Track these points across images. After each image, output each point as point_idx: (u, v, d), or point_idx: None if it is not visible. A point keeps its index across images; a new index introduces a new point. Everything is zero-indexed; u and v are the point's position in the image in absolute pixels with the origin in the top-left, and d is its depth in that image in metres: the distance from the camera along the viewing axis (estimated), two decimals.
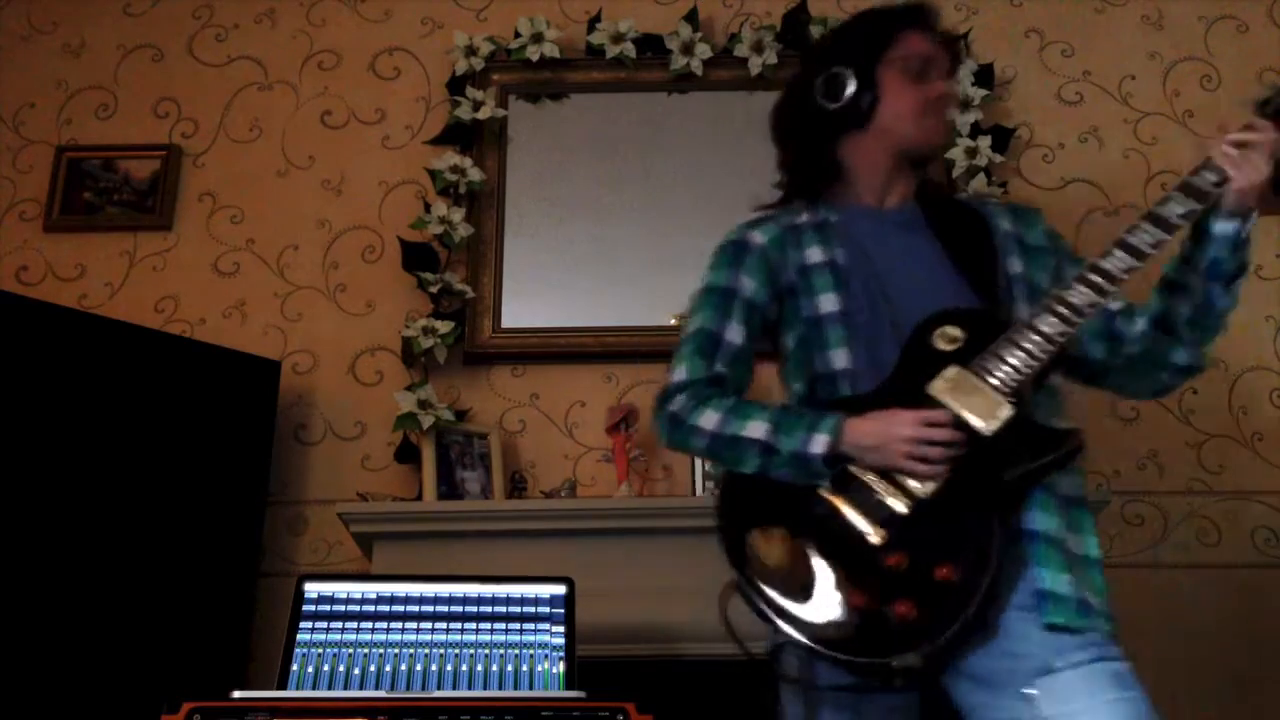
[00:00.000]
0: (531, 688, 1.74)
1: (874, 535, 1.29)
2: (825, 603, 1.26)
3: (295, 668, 1.72)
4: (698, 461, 2.49)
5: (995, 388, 1.33)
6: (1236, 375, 2.67)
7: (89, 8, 3.06)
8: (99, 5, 3.07)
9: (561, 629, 1.81)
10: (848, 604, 1.25)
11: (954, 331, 1.39)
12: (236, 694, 1.54)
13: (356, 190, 2.87)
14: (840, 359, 1.44)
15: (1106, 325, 1.48)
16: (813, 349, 1.47)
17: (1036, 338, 1.34)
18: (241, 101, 2.96)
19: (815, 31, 2.87)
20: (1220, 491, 2.58)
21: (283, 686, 1.69)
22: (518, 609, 1.82)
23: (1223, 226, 1.34)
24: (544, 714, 1.55)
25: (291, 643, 1.74)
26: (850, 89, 1.53)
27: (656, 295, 2.69)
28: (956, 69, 1.64)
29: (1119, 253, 1.36)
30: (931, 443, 1.29)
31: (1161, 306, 1.42)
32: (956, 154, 2.73)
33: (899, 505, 1.30)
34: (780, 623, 1.27)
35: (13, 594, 2.04)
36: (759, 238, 1.57)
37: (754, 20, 2.96)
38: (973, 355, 1.36)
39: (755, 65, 2.87)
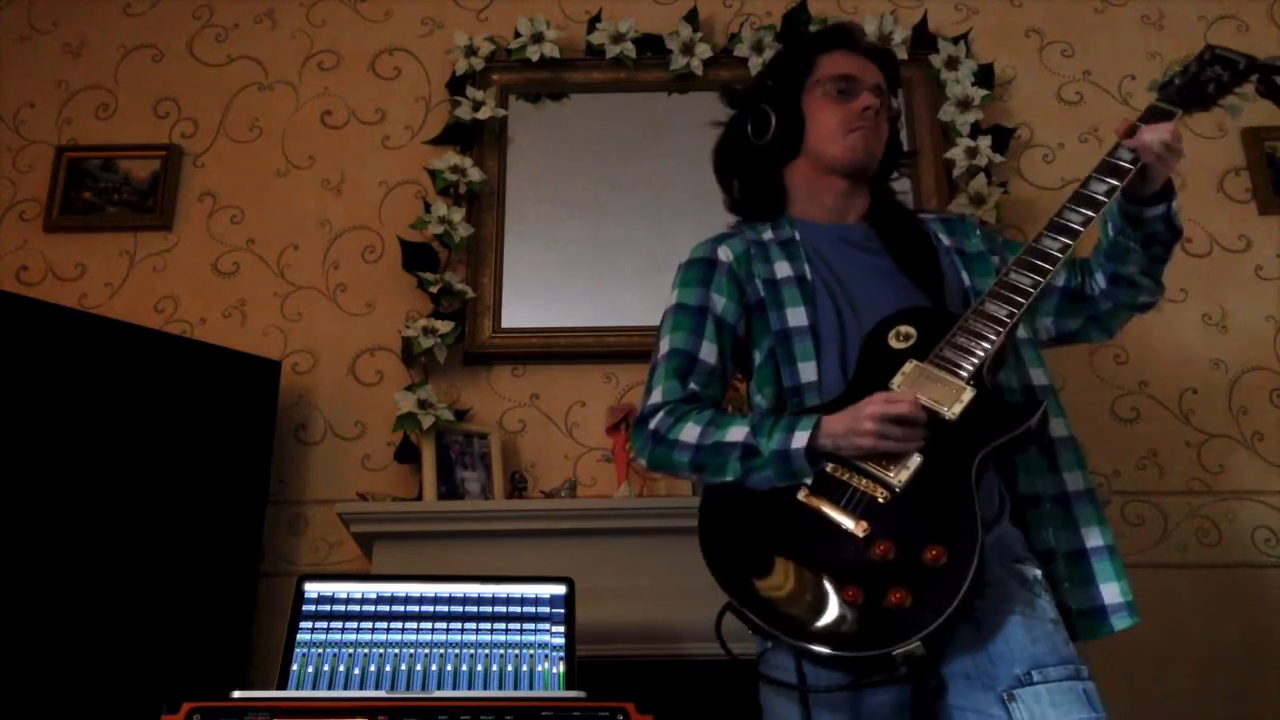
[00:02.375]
0: (531, 688, 1.74)
1: (857, 529, 1.30)
2: (821, 605, 1.27)
3: (295, 668, 1.71)
4: None
5: (954, 373, 1.37)
6: (1236, 375, 2.67)
7: (89, 8, 3.06)
8: (99, 5, 3.07)
9: (561, 629, 1.81)
10: (842, 600, 1.26)
11: (907, 329, 1.44)
12: (236, 694, 1.54)
13: (356, 190, 2.87)
14: (809, 372, 1.47)
15: (1067, 296, 1.58)
16: (781, 363, 1.49)
17: (987, 321, 1.39)
18: (241, 101, 2.97)
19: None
20: (1220, 491, 2.58)
21: (283, 686, 1.69)
22: (518, 609, 1.82)
23: (1153, 210, 1.45)
24: (544, 714, 1.55)
25: (291, 643, 1.74)
26: (774, 123, 1.61)
27: (656, 295, 2.63)
28: (894, 79, 1.69)
29: (1052, 234, 1.45)
30: (895, 418, 1.31)
31: (1111, 269, 1.52)
32: (956, 154, 2.74)
33: (878, 496, 1.32)
34: (782, 635, 1.27)
35: (13, 594, 2.04)
36: (725, 254, 1.61)
37: (754, 20, 2.96)
38: (928, 349, 1.41)
39: (755, 65, 2.86)
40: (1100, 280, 1.54)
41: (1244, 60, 1.50)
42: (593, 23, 2.93)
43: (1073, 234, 1.43)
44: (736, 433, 1.40)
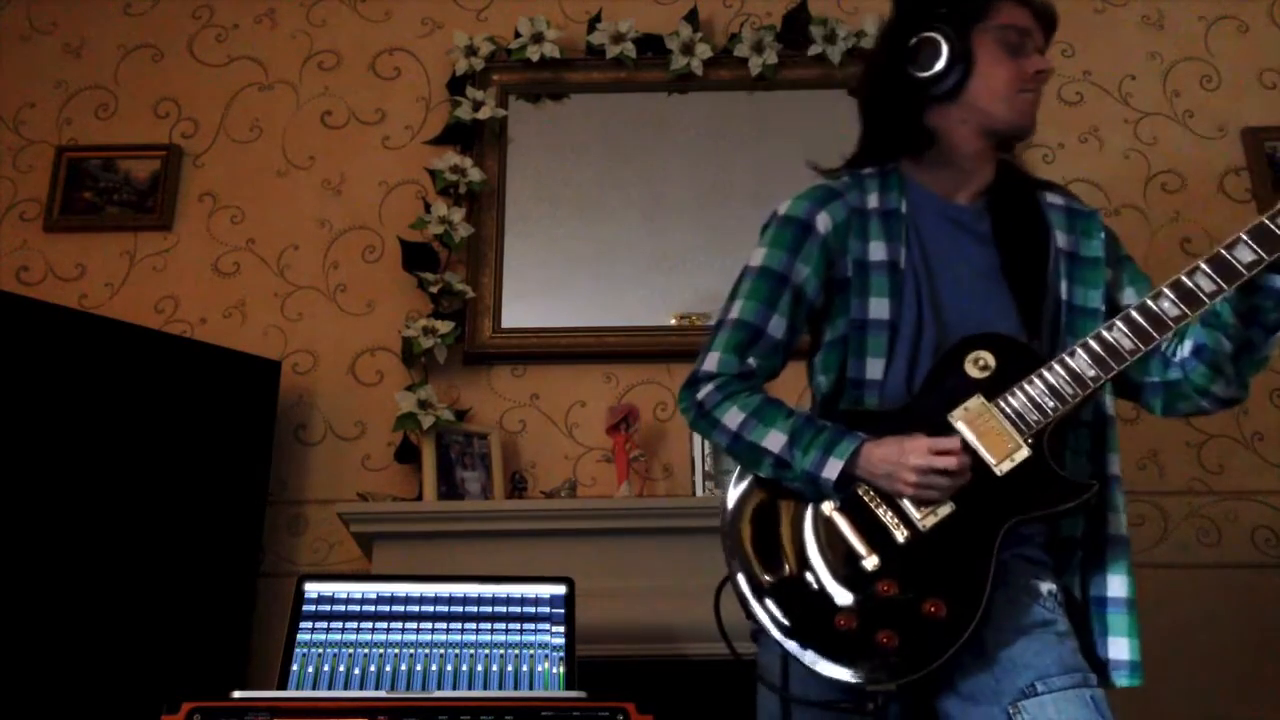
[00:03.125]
0: (531, 688, 1.74)
1: (869, 560, 1.29)
2: (812, 616, 1.27)
3: (295, 668, 1.72)
4: (698, 462, 2.49)
5: (1016, 426, 1.30)
6: None
7: (89, 8, 3.06)
8: (99, 5, 3.07)
9: (561, 629, 1.81)
10: (832, 622, 1.26)
11: (987, 358, 1.35)
12: (236, 694, 1.54)
13: (356, 190, 2.87)
14: (876, 369, 1.40)
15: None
16: (850, 352, 1.42)
17: (1067, 378, 1.30)
18: (241, 101, 2.97)
19: (815, 31, 2.88)
20: (1220, 491, 2.58)
21: (283, 686, 1.69)
22: (518, 609, 1.82)
23: (1274, 280, 1.28)
24: (544, 714, 1.55)
25: (291, 643, 1.74)
26: (943, 59, 1.41)
27: (656, 295, 2.70)
28: (1049, 44, 1.52)
29: (1172, 295, 1.28)
30: (940, 471, 1.27)
31: (1203, 339, 1.37)
32: None
33: (898, 534, 1.30)
34: (767, 625, 1.28)
35: (13, 594, 2.04)
36: (824, 223, 1.45)
37: (754, 20, 2.96)
38: (1001, 386, 1.32)
39: (755, 65, 2.87)
40: (1186, 347, 1.39)
41: None
42: (593, 23, 2.93)
43: (1198, 304, 1.26)
44: (774, 440, 1.35)
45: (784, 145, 2.75)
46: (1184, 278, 1.27)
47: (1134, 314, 1.29)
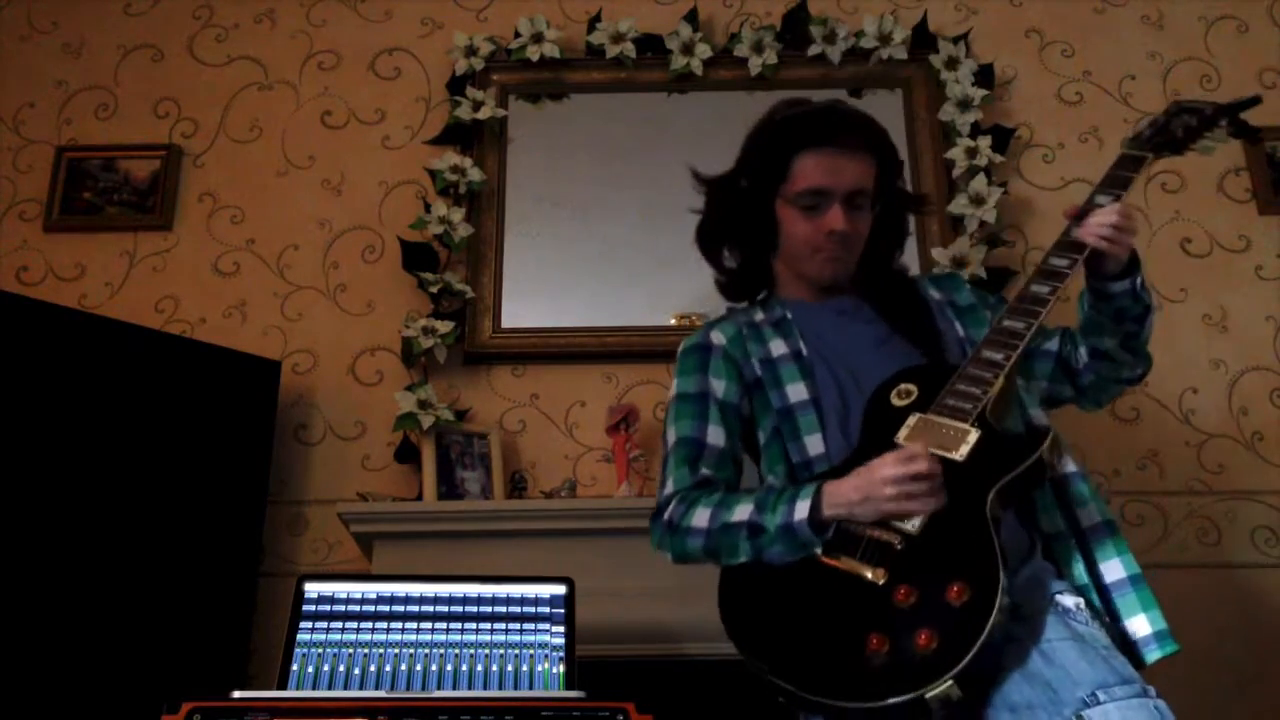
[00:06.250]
0: (531, 688, 1.74)
1: (875, 577, 1.29)
2: (849, 661, 1.25)
3: (295, 668, 1.71)
4: None
5: (958, 418, 1.37)
6: (1236, 375, 2.67)
7: (89, 8, 3.06)
8: (99, 5, 3.07)
9: (561, 629, 1.81)
10: (868, 651, 1.24)
11: (907, 387, 1.45)
12: (236, 694, 1.54)
13: (356, 190, 2.87)
14: (815, 444, 1.48)
15: (1059, 362, 1.57)
16: (787, 439, 1.50)
17: (985, 366, 1.40)
18: (241, 101, 2.97)
19: (815, 31, 2.88)
20: (1220, 491, 2.58)
21: (283, 686, 1.69)
22: (518, 609, 1.82)
23: (1119, 285, 1.44)
24: (544, 714, 1.55)
25: (291, 643, 1.74)
26: (746, 227, 1.64)
27: (656, 295, 2.70)
28: (888, 160, 1.64)
29: (1041, 279, 1.45)
30: (914, 476, 1.29)
31: (1095, 343, 1.52)
32: (956, 154, 2.74)
33: (893, 543, 1.30)
34: (817, 699, 1.25)
35: (13, 594, 2.04)
36: (718, 338, 1.62)
37: (754, 20, 2.96)
38: (930, 402, 1.41)
39: (755, 65, 2.87)
40: (1083, 354, 1.55)
41: (1210, 107, 1.57)
42: (593, 23, 2.93)
43: (1060, 277, 1.44)
44: (742, 511, 1.40)
45: None
46: (1042, 265, 1.47)
47: (1016, 302, 1.46)
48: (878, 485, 1.30)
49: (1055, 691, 1.23)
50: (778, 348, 1.57)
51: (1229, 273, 2.76)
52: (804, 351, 1.55)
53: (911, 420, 1.40)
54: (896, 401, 1.44)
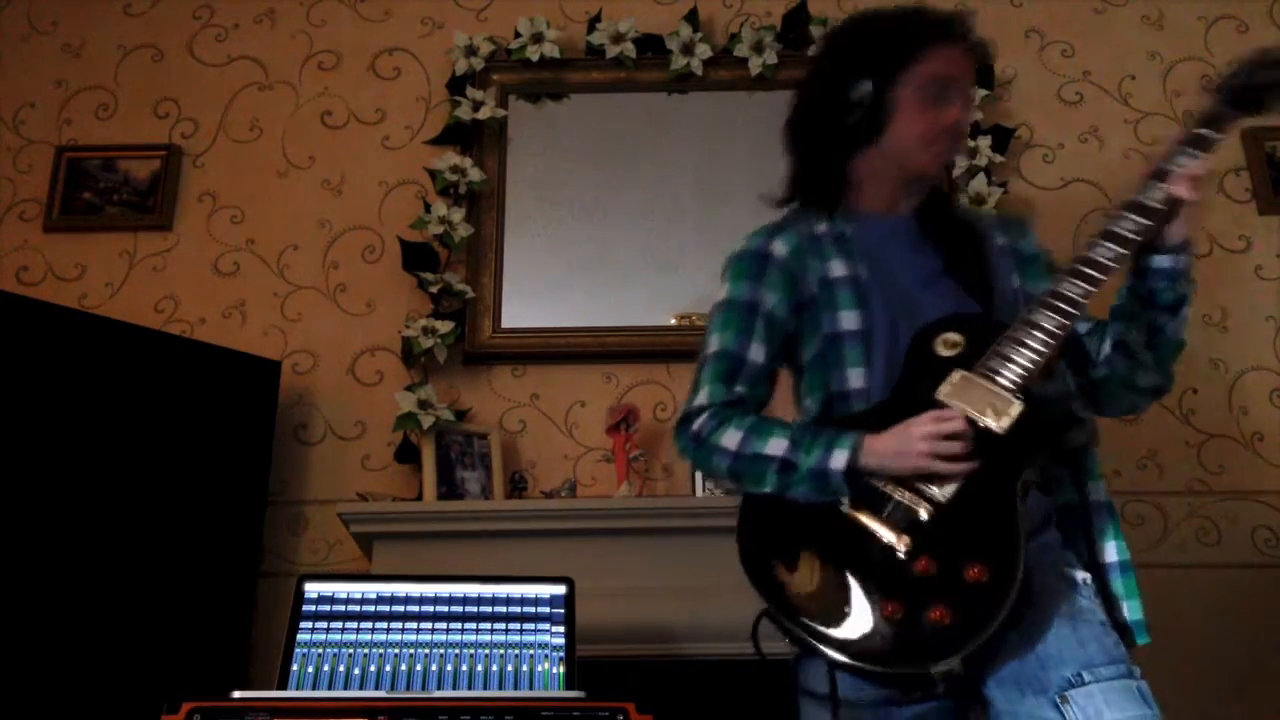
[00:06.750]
0: (531, 688, 1.74)
1: (899, 544, 1.28)
2: (859, 618, 1.25)
3: (295, 668, 1.71)
4: None
5: (1003, 386, 1.33)
6: (1236, 375, 2.67)
7: (89, 8, 3.06)
8: (99, 5, 3.07)
9: (561, 629, 1.81)
10: (881, 615, 1.24)
11: (954, 337, 1.40)
12: (236, 694, 1.54)
13: (356, 190, 2.87)
14: (857, 378, 1.43)
15: (1081, 349, 1.50)
16: (830, 366, 1.46)
17: (1037, 334, 1.34)
18: (241, 101, 2.97)
19: (815, 31, 2.87)
20: (1220, 491, 2.58)
21: (283, 686, 1.69)
22: (517, 609, 1.82)
23: (1160, 260, 1.37)
24: (544, 714, 1.55)
25: (291, 643, 1.74)
26: (862, 110, 1.50)
27: (656, 295, 2.70)
28: (984, 71, 1.61)
29: (1105, 243, 1.36)
30: (949, 436, 1.29)
31: (1117, 332, 1.45)
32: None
33: (921, 511, 1.30)
34: (817, 645, 1.26)
35: (13, 594, 2.04)
36: (780, 248, 1.53)
37: (754, 20, 2.96)
38: (975, 359, 1.36)
39: (755, 65, 2.87)
40: (1106, 345, 1.47)
41: None
42: (593, 23, 2.93)
43: (1127, 243, 1.35)
44: (776, 445, 1.38)
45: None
46: (1109, 226, 1.37)
47: (1075, 265, 1.37)
48: (913, 440, 1.30)
49: (1044, 670, 1.26)
50: (836, 268, 1.49)
51: (1229, 273, 2.76)
52: (863, 276, 1.48)
53: (954, 377, 1.36)
54: (941, 351, 1.39)
